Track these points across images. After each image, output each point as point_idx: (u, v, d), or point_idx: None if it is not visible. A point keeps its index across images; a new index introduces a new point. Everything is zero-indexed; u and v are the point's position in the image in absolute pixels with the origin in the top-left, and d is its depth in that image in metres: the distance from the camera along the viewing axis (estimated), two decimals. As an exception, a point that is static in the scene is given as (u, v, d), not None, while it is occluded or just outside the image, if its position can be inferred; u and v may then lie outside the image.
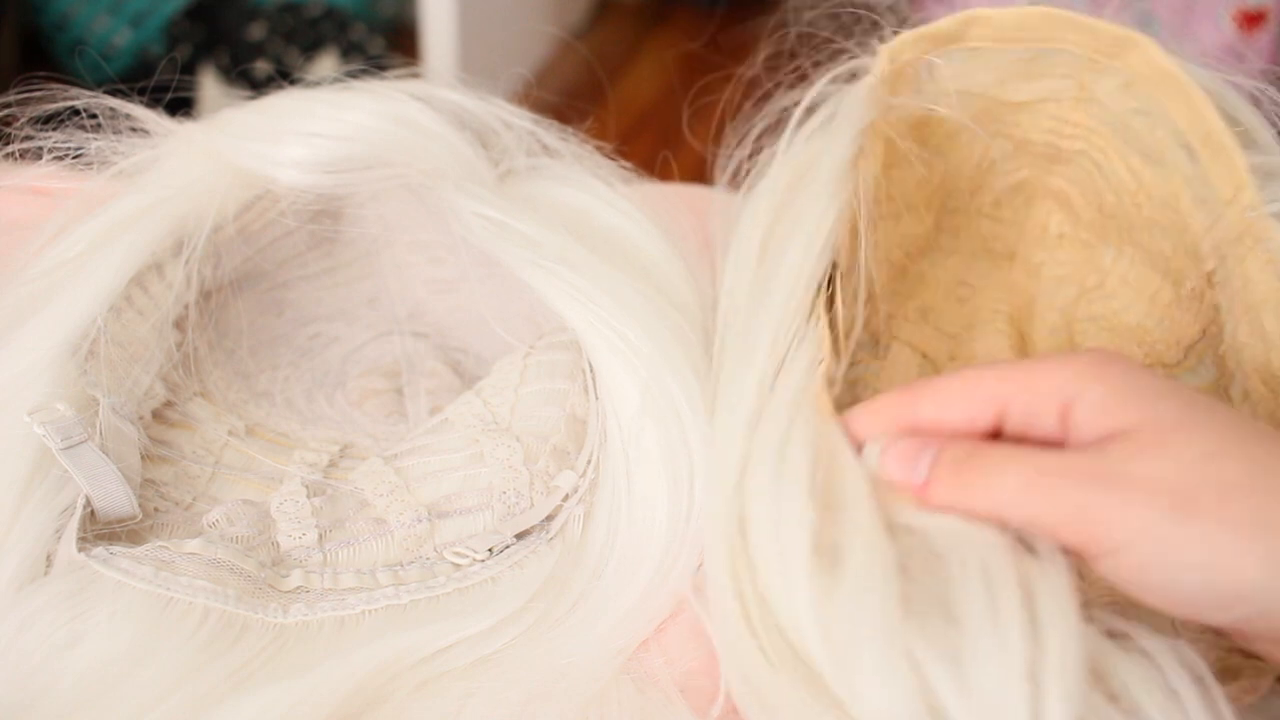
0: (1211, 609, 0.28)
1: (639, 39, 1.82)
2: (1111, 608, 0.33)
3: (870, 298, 0.41)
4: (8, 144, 0.45)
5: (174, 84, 0.53)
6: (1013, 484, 0.30)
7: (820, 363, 0.37)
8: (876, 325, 0.47)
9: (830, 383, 0.37)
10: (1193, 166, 0.41)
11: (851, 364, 0.43)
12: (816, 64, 0.45)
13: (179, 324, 0.46)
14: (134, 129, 0.47)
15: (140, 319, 0.44)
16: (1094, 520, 0.28)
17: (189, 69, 1.45)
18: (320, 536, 0.39)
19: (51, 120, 0.45)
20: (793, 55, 0.46)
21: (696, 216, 0.51)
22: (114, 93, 0.46)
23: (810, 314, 0.38)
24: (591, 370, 0.42)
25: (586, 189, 0.49)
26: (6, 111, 0.45)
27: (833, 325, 0.39)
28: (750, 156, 0.46)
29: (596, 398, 0.42)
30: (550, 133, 0.50)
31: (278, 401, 0.50)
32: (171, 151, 0.46)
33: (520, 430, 0.42)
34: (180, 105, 0.50)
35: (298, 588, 0.38)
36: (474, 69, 0.95)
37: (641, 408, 0.40)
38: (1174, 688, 0.29)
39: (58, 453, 0.37)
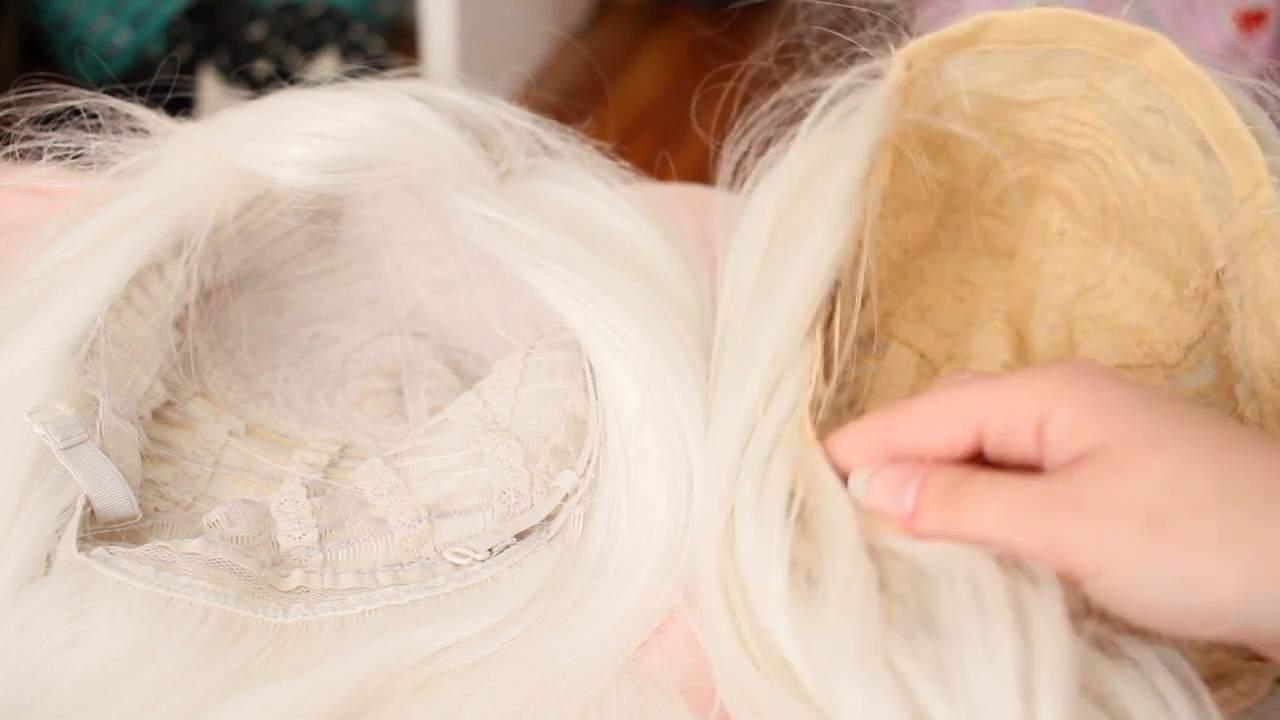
0: (1196, 626, 0.28)
1: (639, 39, 1.82)
2: (1101, 617, 0.33)
3: (868, 296, 0.41)
4: (8, 144, 0.45)
5: (174, 84, 0.53)
6: (992, 516, 0.30)
7: (808, 386, 0.37)
8: (873, 324, 0.47)
9: (817, 406, 0.37)
10: (1206, 164, 0.41)
11: (848, 365, 0.43)
12: (825, 59, 0.45)
13: (179, 324, 0.46)
14: (134, 129, 0.47)
15: (140, 319, 0.44)
16: (1070, 548, 0.28)
17: (189, 69, 1.45)
18: (320, 536, 0.39)
19: (51, 120, 0.45)
20: (801, 49, 0.46)
21: (696, 216, 0.51)
22: (114, 93, 0.46)
23: (809, 333, 0.39)
24: (591, 370, 0.42)
25: (586, 189, 0.49)
26: (6, 111, 0.45)
27: (828, 345, 0.39)
28: (755, 154, 0.46)
29: (596, 398, 0.42)
30: (550, 133, 0.50)
31: (278, 401, 0.50)
32: (171, 151, 0.46)
33: (520, 430, 0.42)
34: (180, 105, 0.50)
35: (298, 588, 0.38)
36: (474, 69, 0.95)
37: (641, 408, 0.40)
38: (1164, 696, 0.29)
39: (58, 453, 0.37)
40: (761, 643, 0.33)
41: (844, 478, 0.34)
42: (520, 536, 0.40)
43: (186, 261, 0.45)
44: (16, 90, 0.45)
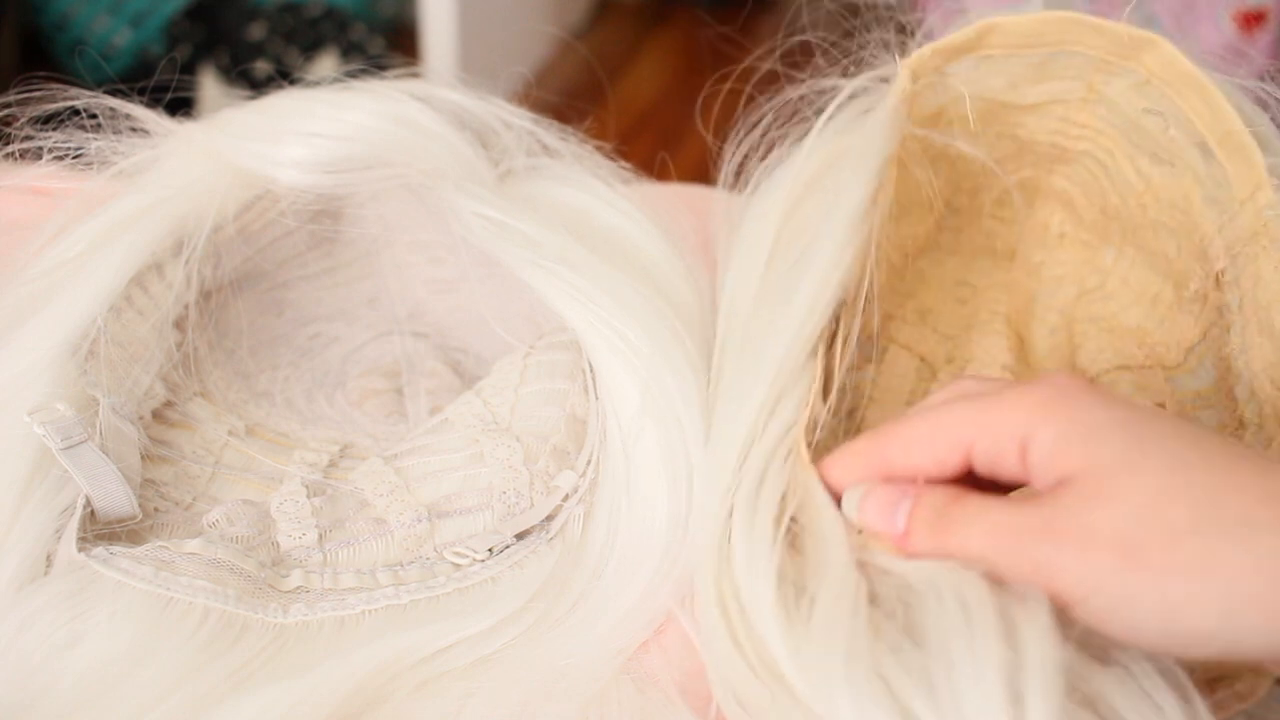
0: (1178, 649, 0.28)
1: (639, 39, 1.82)
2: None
3: (868, 302, 0.41)
4: (8, 144, 0.45)
5: (174, 84, 0.53)
6: (979, 540, 0.30)
7: (806, 406, 0.37)
8: (872, 329, 0.47)
9: (814, 426, 0.38)
10: (1207, 166, 0.41)
11: (847, 374, 0.43)
12: (830, 62, 0.45)
13: (179, 324, 0.46)
14: (134, 129, 0.47)
15: (140, 319, 0.44)
16: (1053, 576, 0.29)
17: (189, 69, 1.45)
18: (320, 536, 0.39)
19: (51, 120, 0.45)
20: (805, 52, 0.46)
21: (696, 216, 0.51)
22: (114, 93, 0.46)
23: (812, 353, 0.39)
24: (591, 370, 0.42)
25: (586, 189, 0.49)
26: (6, 111, 0.45)
27: (828, 364, 0.39)
28: (757, 157, 0.46)
29: (596, 398, 0.42)
30: (550, 133, 0.50)
31: (278, 401, 0.50)
32: (171, 151, 0.46)
33: (520, 430, 0.42)
34: (180, 105, 0.50)
35: (298, 588, 0.38)
36: (474, 69, 0.95)
37: (641, 408, 0.40)
38: (1155, 700, 0.29)
39: (58, 453, 0.37)
40: (757, 649, 0.34)
41: (838, 497, 0.35)
42: (520, 536, 0.40)
43: (186, 261, 0.45)
44: (16, 90, 0.45)
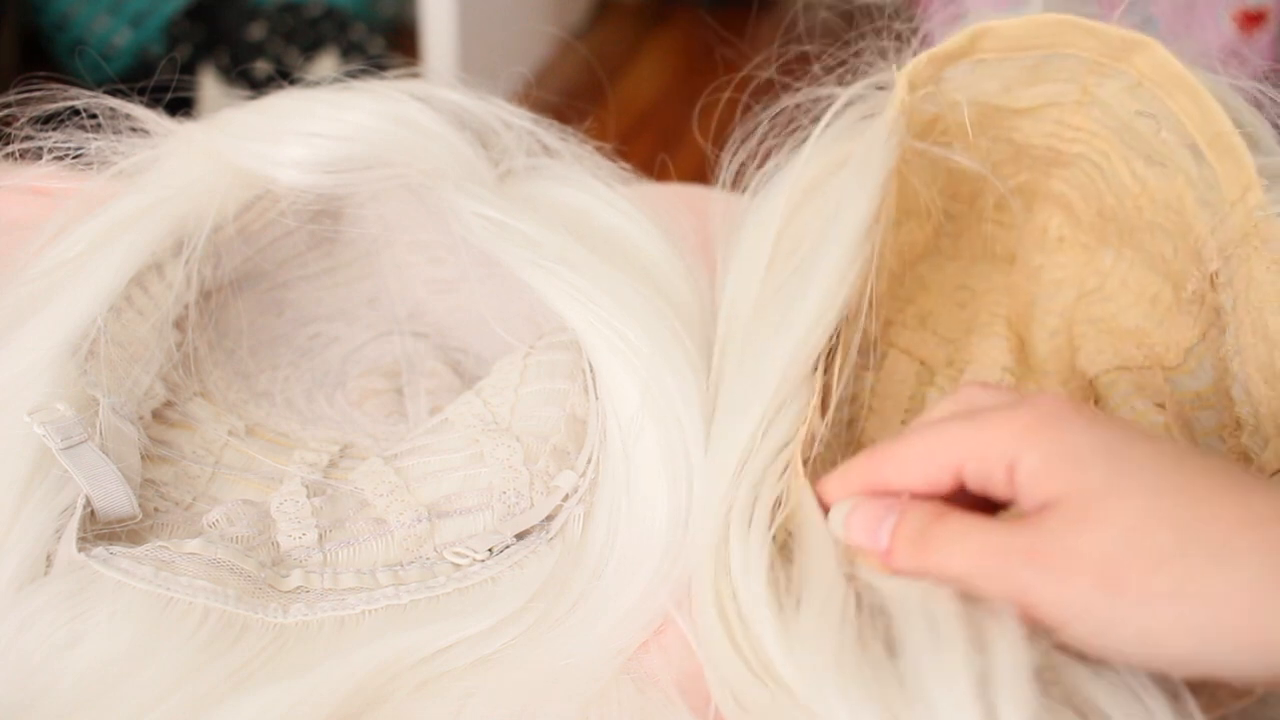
0: (1164, 671, 0.29)
1: (639, 39, 1.82)
2: None
3: (868, 311, 0.41)
4: (8, 144, 0.45)
5: (174, 84, 0.53)
6: (960, 560, 0.30)
7: (804, 424, 0.38)
8: (872, 336, 0.47)
9: (811, 441, 0.38)
10: (1198, 168, 0.41)
11: (847, 384, 0.43)
12: (826, 69, 0.45)
13: (179, 324, 0.46)
14: (134, 129, 0.47)
15: (140, 319, 0.44)
16: (1035, 599, 0.29)
17: (189, 69, 1.45)
18: (320, 536, 0.39)
19: (51, 120, 0.45)
20: (802, 59, 0.46)
21: (696, 216, 0.51)
22: (114, 93, 0.46)
23: (814, 369, 0.39)
24: (591, 370, 0.42)
25: (586, 189, 0.49)
26: (6, 111, 0.45)
27: (827, 380, 0.40)
28: (755, 165, 0.46)
29: (596, 398, 0.42)
30: (550, 133, 0.50)
31: (278, 401, 0.50)
32: (171, 151, 0.46)
33: (520, 430, 0.42)
34: (180, 105, 0.50)
35: (298, 588, 0.38)
36: (474, 69, 0.95)
37: (641, 408, 0.40)
38: (1144, 701, 0.29)
39: (58, 453, 0.37)
40: (755, 650, 0.34)
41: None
42: (520, 536, 0.40)
43: (186, 261, 0.45)
44: (16, 90, 0.45)
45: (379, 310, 0.55)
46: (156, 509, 0.41)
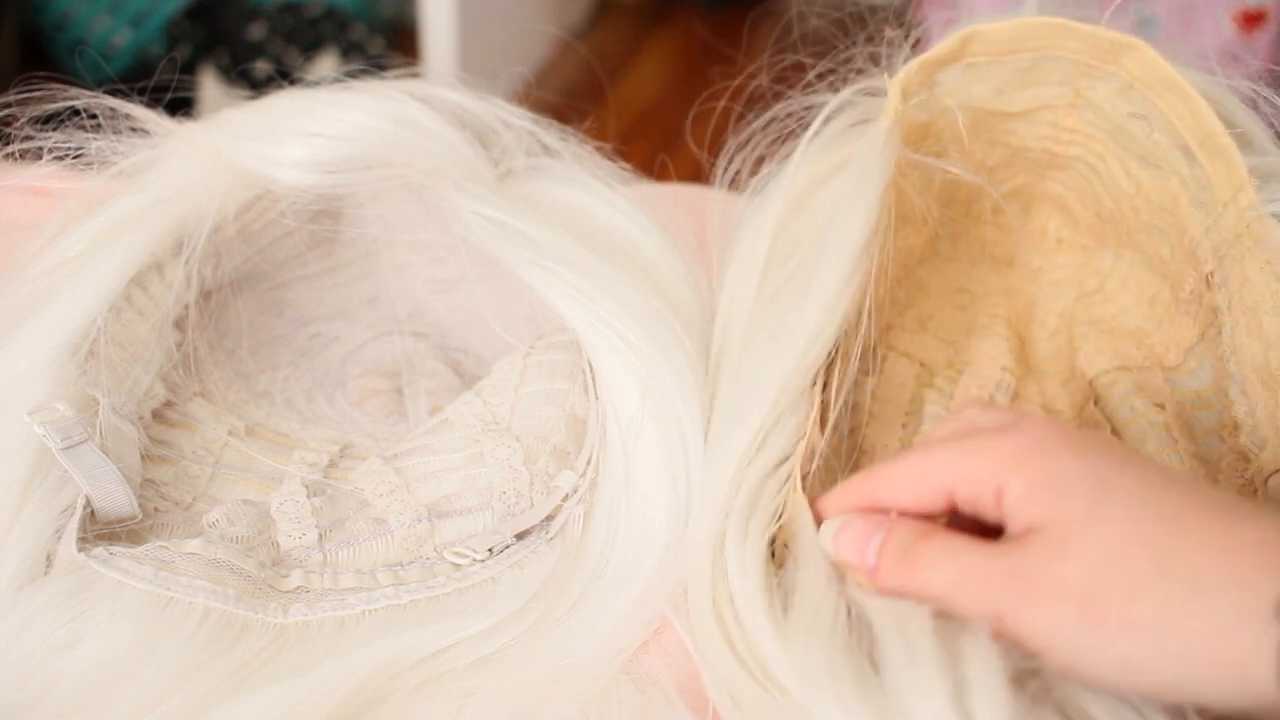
0: (1143, 697, 0.29)
1: (639, 39, 1.82)
2: None
3: (867, 320, 0.42)
4: (8, 144, 0.45)
5: (174, 84, 0.53)
6: (943, 581, 0.31)
7: (803, 439, 0.38)
8: (871, 341, 0.47)
9: (811, 455, 0.38)
10: (1190, 169, 0.41)
11: (848, 393, 0.43)
12: (820, 76, 0.45)
13: (179, 324, 0.46)
14: (134, 129, 0.47)
15: (140, 319, 0.44)
16: (1016, 624, 0.29)
17: (189, 69, 1.45)
18: (320, 536, 0.39)
19: (51, 120, 0.45)
20: (797, 67, 0.46)
21: (695, 216, 0.51)
22: (114, 93, 0.46)
23: (813, 382, 0.39)
24: (591, 370, 0.42)
25: (586, 189, 0.49)
26: (6, 111, 0.45)
27: (825, 395, 0.40)
28: (749, 172, 0.46)
29: (596, 398, 0.42)
30: (550, 133, 0.50)
31: (278, 401, 0.50)
32: (171, 151, 0.46)
33: (520, 430, 0.42)
34: (180, 105, 0.50)
35: (298, 588, 0.38)
36: (474, 69, 0.95)
37: (641, 408, 0.40)
38: (1135, 704, 0.29)
39: (58, 453, 0.37)
40: (753, 652, 0.34)
41: None
42: (520, 536, 0.40)
43: (186, 261, 0.45)
44: (16, 90, 0.45)
45: (379, 310, 0.55)
46: (156, 509, 0.41)
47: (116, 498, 0.38)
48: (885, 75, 0.42)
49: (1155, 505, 0.29)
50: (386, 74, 0.49)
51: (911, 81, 0.42)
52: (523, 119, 0.49)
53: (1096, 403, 0.47)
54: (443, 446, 0.42)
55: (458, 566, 0.39)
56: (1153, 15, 1.14)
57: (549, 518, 0.40)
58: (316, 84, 0.48)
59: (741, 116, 0.47)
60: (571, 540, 0.40)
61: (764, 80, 0.47)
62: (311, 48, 1.49)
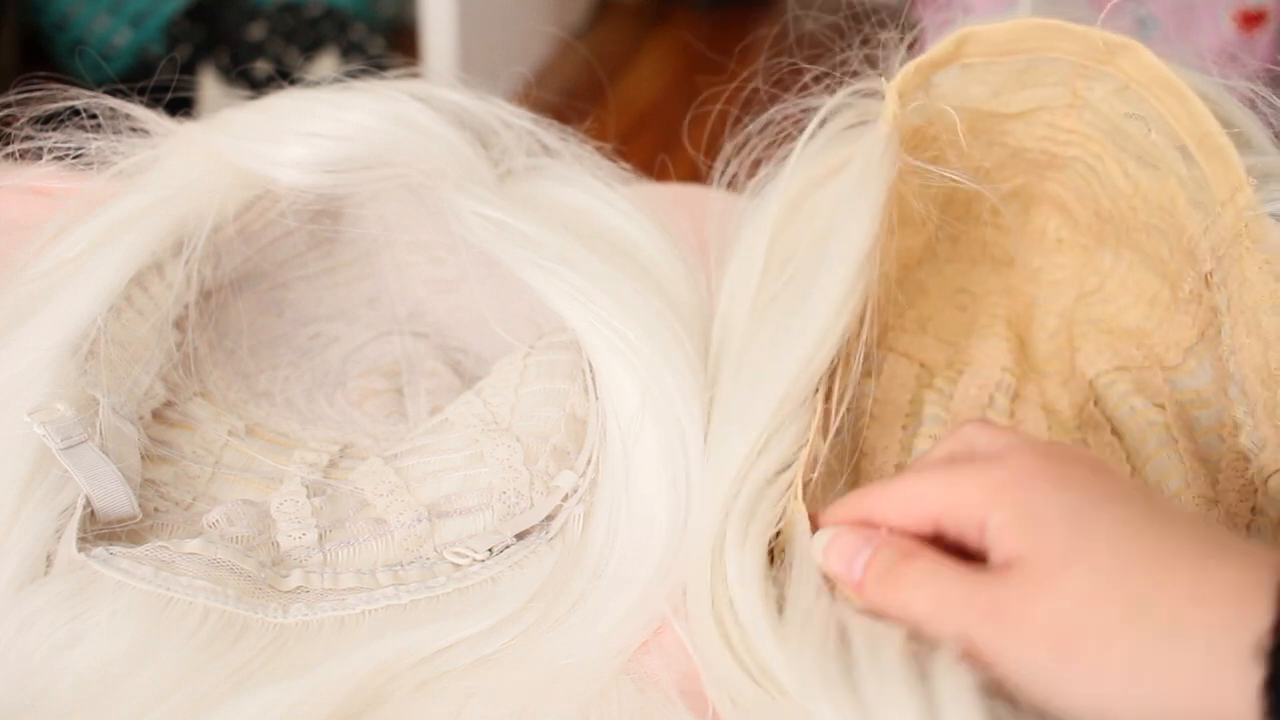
0: None
1: (639, 39, 1.82)
2: None
3: (867, 325, 0.42)
4: (8, 144, 0.45)
5: (174, 84, 0.53)
6: (923, 604, 0.31)
7: (805, 447, 0.38)
8: (870, 344, 0.47)
9: (813, 464, 0.38)
10: (1188, 169, 0.41)
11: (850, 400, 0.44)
12: (816, 79, 0.45)
13: (179, 324, 0.46)
14: (134, 129, 0.47)
15: (140, 319, 0.44)
16: (992, 656, 0.29)
17: (189, 69, 1.45)
18: (320, 536, 0.39)
19: (51, 120, 0.45)
20: (794, 71, 0.46)
21: (695, 217, 0.51)
22: (114, 93, 0.46)
23: (815, 391, 0.39)
24: (591, 370, 0.42)
25: (586, 189, 0.49)
26: (6, 111, 0.45)
27: (828, 404, 0.40)
28: (746, 175, 0.46)
29: (596, 398, 0.42)
30: (550, 133, 0.50)
31: (278, 401, 0.50)
32: (171, 151, 0.46)
33: (520, 430, 0.42)
34: (180, 105, 0.50)
35: (298, 588, 0.38)
36: (474, 69, 0.95)
37: (641, 408, 0.40)
38: None
39: (58, 453, 0.37)
40: (752, 653, 0.34)
41: None
42: (520, 536, 0.40)
43: (186, 261, 0.45)
44: (16, 90, 0.45)
45: (379, 310, 0.55)
46: (156, 509, 0.41)
47: (116, 498, 0.38)
48: (881, 77, 0.42)
49: (1131, 545, 0.29)
50: (386, 74, 0.49)
51: (908, 84, 0.42)
52: (523, 119, 0.49)
53: (1096, 402, 0.47)
54: (443, 446, 0.42)
55: (458, 566, 0.39)
56: (1151, 15, 1.14)
57: (549, 518, 0.40)
58: (316, 84, 0.48)
59: (738, 120, 0.47)
60: (571, 540, 0.40)
61: (760, 83, 0.47)
62: (311, 48, 1.49)
